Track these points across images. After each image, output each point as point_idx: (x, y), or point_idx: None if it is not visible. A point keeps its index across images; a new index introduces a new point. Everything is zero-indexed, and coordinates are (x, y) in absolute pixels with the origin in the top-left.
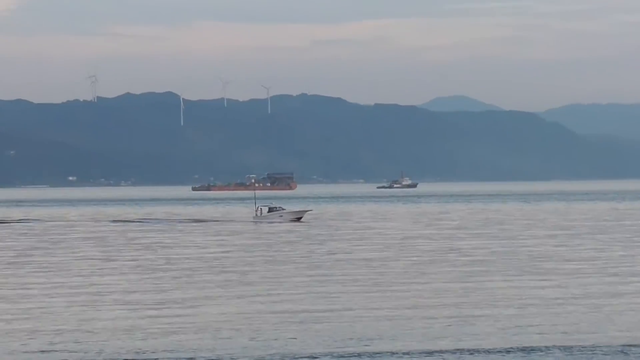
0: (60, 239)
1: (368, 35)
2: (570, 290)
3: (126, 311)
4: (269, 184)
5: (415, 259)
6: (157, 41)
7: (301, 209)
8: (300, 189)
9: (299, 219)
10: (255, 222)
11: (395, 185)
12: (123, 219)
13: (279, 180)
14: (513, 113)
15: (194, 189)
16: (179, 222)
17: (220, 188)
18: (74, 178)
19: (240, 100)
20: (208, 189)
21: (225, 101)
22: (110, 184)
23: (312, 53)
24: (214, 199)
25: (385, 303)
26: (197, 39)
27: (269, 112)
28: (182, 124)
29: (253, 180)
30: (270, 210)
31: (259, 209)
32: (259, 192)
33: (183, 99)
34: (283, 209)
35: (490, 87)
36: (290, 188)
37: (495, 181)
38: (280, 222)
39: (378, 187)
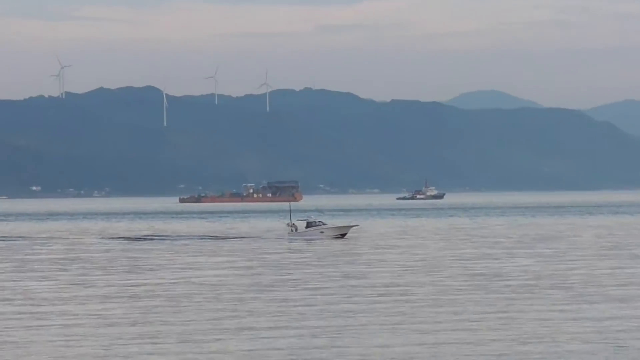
0: (29, 259)
1: (384, 19)
2: (627, 322)
3: (104, 346)
4: (269, 195)
5: (445, 283)
6: (135, 26)
7: (346, 224)
8: (307, 201)
9: (343, 236)
10: (291, 239)
11: (418, 196)
12: (123, 236)
13: (282, 190)
14: (554, 111)
15: (181, 200)
16: (198, 239)
17: (213, 199)
18: (38, 188)
19: (234, 96)
20: (198, 200)
21: (216, 97)
22: (80, 194)
23: (318, 40)
24: (209, 212)
25: (408, 338)
26: (183, 24)
27: (268, 109)
28: (165, 123)
29: (251, 190)
30: (309, 225)
31: (293, 224)
32: (258, 204)
33: (166, 94)
34: (324, 224)
35: (528, 80)
36: (295, 199)
37: (535, 191)
38: (320, 239)
39: (398, 199)
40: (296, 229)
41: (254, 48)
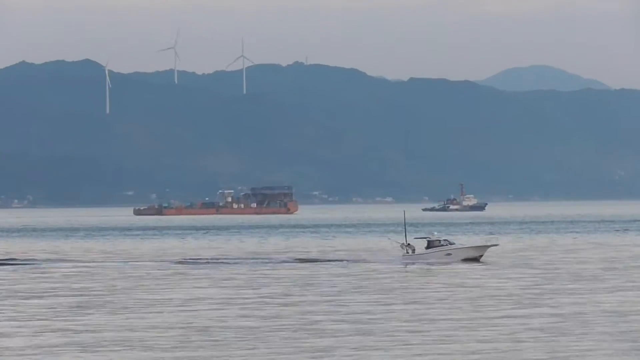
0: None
1: None
2: None
3: None
4: (253, 205)
5: (509, 325)
6: None
7: (481, 244)
8: (304, 212)
9: (477, 259)
10: (406, 263)
11: (451, 207)
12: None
13: (270, 198)
14: (626, 93)
15: (137, 211)
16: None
17: (179, 210)
18: None
19: (199, 73)
20: (159, 212)
21: (175, 75)
22: None
23: (313, 0)
24: (186, 227)
25: None
26: None
27: (245, 91)
28: (108, 110)
29: (229, 199)
30: (430, 244)
31: (409, 244)
32: (240, 217)
33: (109, 71)
34: (450, 243)
35: (590, 54)
36: (288, 210)
37: (602, 199)
38: (447, 263)
39: (425, 210)
40: (413, 250)
41: (227, 9)
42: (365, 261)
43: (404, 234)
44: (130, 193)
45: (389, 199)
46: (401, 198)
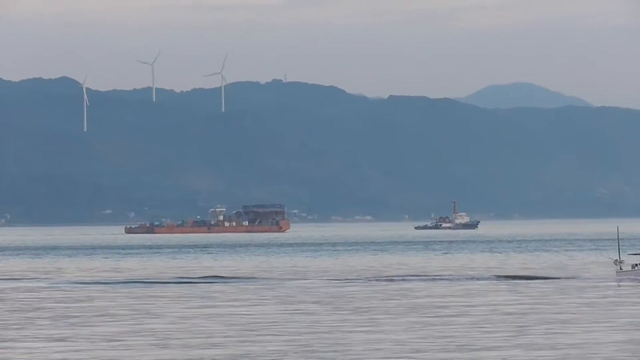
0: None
1: None
2: None
3: None
4: (245, 223)
5: None
6: None
7: None
8: (295, 231)
9: None
10: (620, 280)
11: (444, 225)
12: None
13: (263, 216)
14: (608, 111)
15: (128, 230)
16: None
17: (170, 229)
18: None
19: (177, 90)
20: (150, 230)
21: (153, 92)
22: None
23: (292, 16)
24: (188, 246)
25: None
26: None
27: (223, 109)
28: (85, 128)
29: (221, 217)
30: None
31: (622, 260)
32: (231, 235)
33: (87, 88)
34: None
35: (572, 71)
36: (280, 229)
37: (583, 217)
38: None
39: (417, 228)
40: (635, 265)
41: (205, 26)
42: (584, 278)
43: (617, 250)
44: (108, 211)
45: (368, 217)
46: (381, 216)
